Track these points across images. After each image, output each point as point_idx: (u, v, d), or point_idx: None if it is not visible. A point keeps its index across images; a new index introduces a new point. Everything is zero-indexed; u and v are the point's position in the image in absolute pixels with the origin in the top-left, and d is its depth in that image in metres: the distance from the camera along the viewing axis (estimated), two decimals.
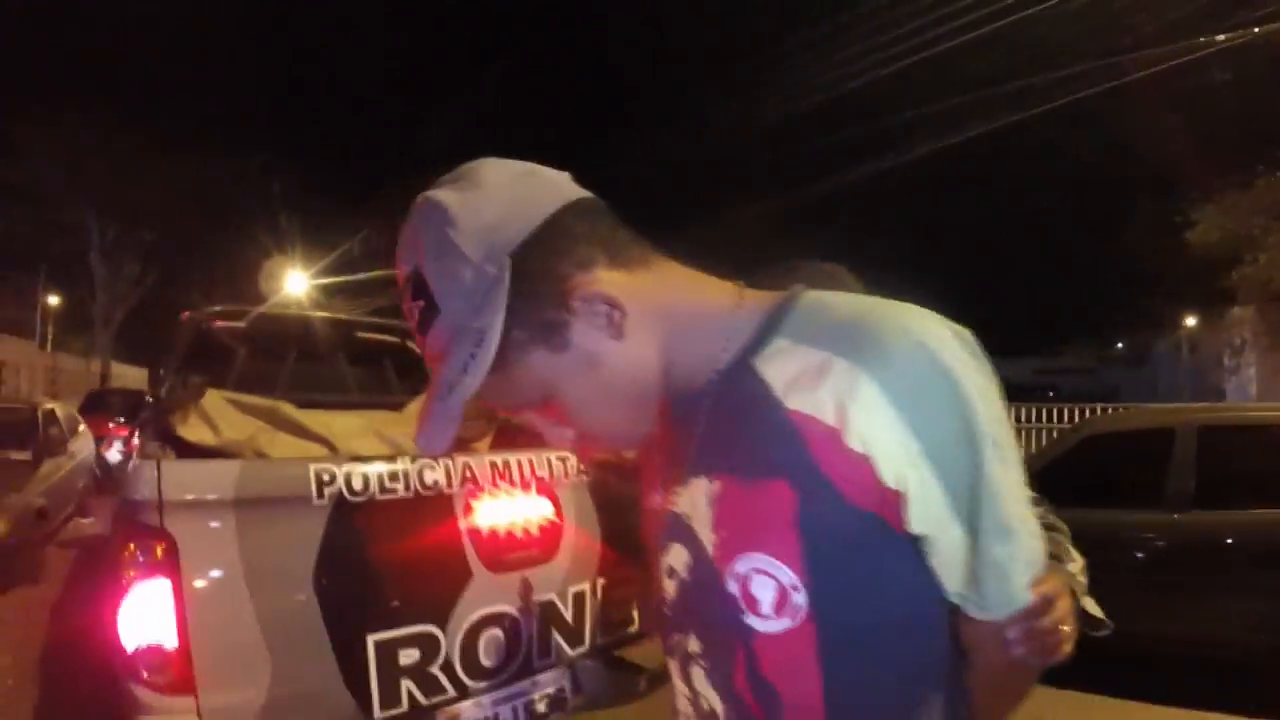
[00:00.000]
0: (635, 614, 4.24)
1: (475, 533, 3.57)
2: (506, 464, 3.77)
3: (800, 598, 1.06)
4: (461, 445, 4.06)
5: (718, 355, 1.15)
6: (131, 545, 2.90)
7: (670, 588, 1.25)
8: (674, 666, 1.29)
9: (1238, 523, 5.98)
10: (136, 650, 2.86)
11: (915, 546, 1.07)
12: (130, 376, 37.06)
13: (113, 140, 32.97)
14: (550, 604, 3.82)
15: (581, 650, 3.96)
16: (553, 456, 3.96)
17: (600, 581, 4.05)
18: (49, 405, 12.53)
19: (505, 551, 3.66)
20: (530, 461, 3.86)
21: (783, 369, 1.08)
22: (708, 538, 1.15)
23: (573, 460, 4.00)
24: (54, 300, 44.15)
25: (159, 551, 2.87)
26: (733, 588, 1.10)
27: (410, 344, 5.98)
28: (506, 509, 3.70)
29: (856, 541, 1.05)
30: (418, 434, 1.12)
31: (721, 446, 1.13)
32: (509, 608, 3.64)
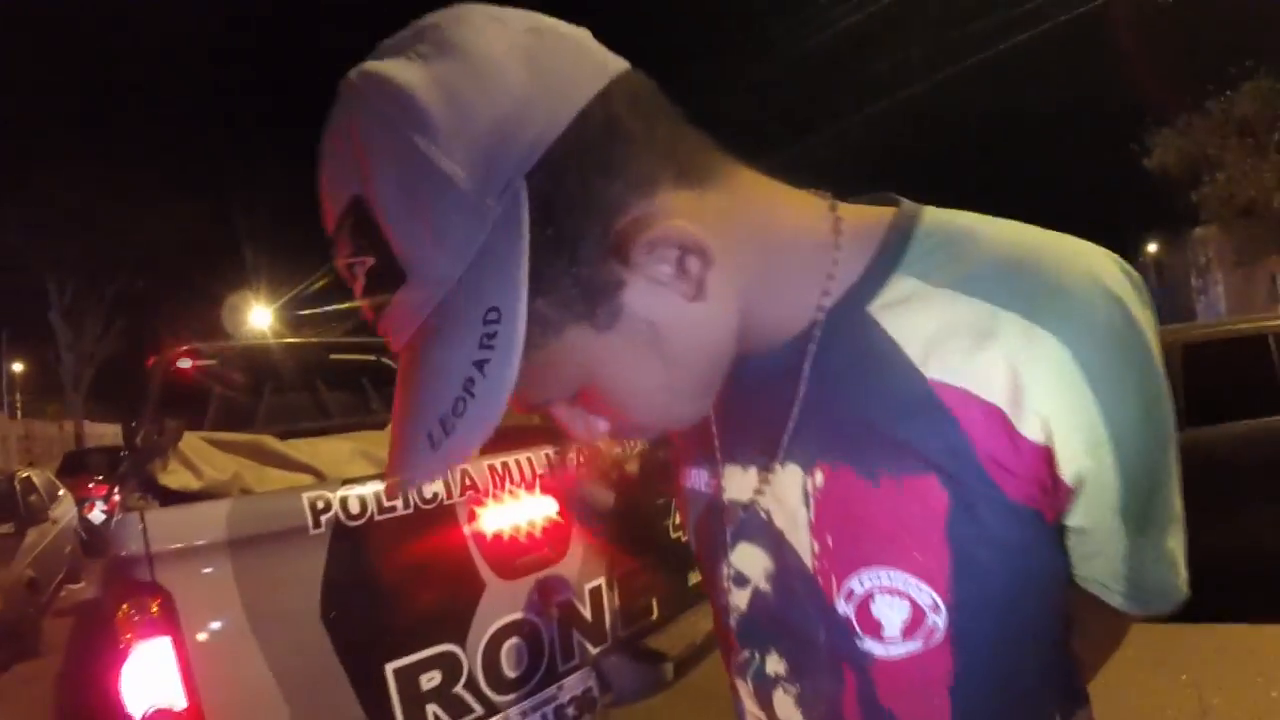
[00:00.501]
0: (654, 602, 4.13)
1: (482, 541, 3.43)
2: (505, 466, 3.61)
3: (939, 618, 0.82)
4: None
5: (814, 300, 0.85)
6: (125, 605, 2.72)
7: (740, 598, 0.99)
8: (744, 687, 1.03)
9: (1232, 435, 5.96)
10: (145, 716, 2.69)
11: (1060, 534, 0.84)
12: (106, 435, 36.64)
13: (63, 194, 32.51)
14: (568, 604, 3.69)
15: (605, 646, 3.84)
16: (550, 452, 3.82)
17: (615, 574, 3.93)
18: (25, 473, 12.39)
19: (516, 557, 3.52)
20: (529, 460, 3.70)
21: (917, 322, 0.79)
22: (804, 544, 0.88)
23: (573, 454, 3.85)
24: (19, 367, 43.80)
25: (155, 608, 2.70)
26: (845, 608, 0.85)
27: (386, 359, 5.89)
28: (511, 513, 3.56)
29: (1011, 546, 0.80)
30: (391, 476, 0.75)
31: (827, 427, 0.85)
32: (527, 614, 3.52)
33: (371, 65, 0.73)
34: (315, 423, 5.61)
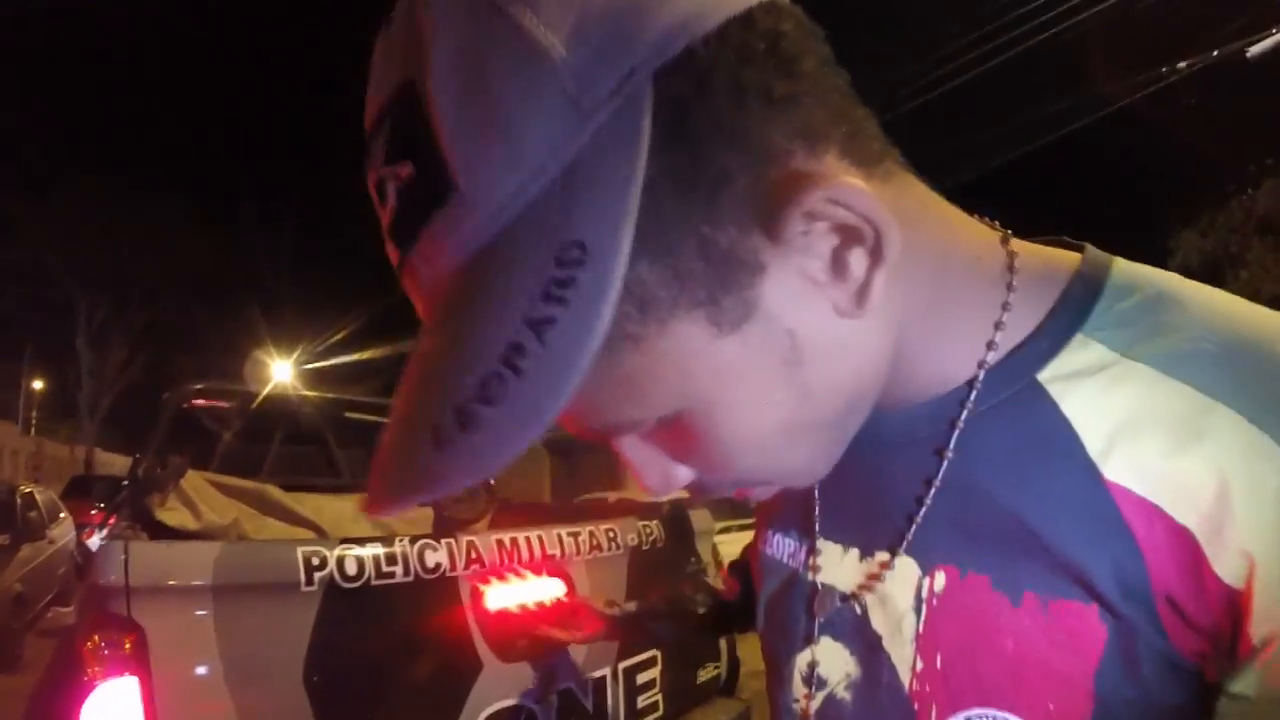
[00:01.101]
0: (660, 697, 3.84)
1: (484, 618, 3.14)
2: (514, 542, 3.34)
3: None
4: (459, 527, 3.69)
5: (975, 353, 0.65)
6: (95, 637, 2.47)
7: (809, 700, 0.80)
8: None
9: None
10: None
11: (1212, 696, 0.58)
12: (116, 465, 36.56)
13: (102, 221, 32.88)
14: (568, 693, 3.40)
15: None
16: (564, 533, 3.54)
17: (621, 666, 3.64)
18: (27, 488, 12.19)
19: (518, 638, 3.23)
20: (540, 539, 3.43)
21: (1102, 404, 0.60)
22: (904, 658, 0.69)
23: (585, 536, 3.59)
24: (39, 385, 43.91)
25: (127, 645, 2.45)
26: None
27: None
28: (516, 592, 3.28)
29: (1156, 701, 0.58)
30: (374, 489, 0.52)
31: (963, 519, 0.66)
32: (524, 700, 3.22)
33: None
34: (322, 479, 5.42)
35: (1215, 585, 0.54)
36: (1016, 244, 0.69)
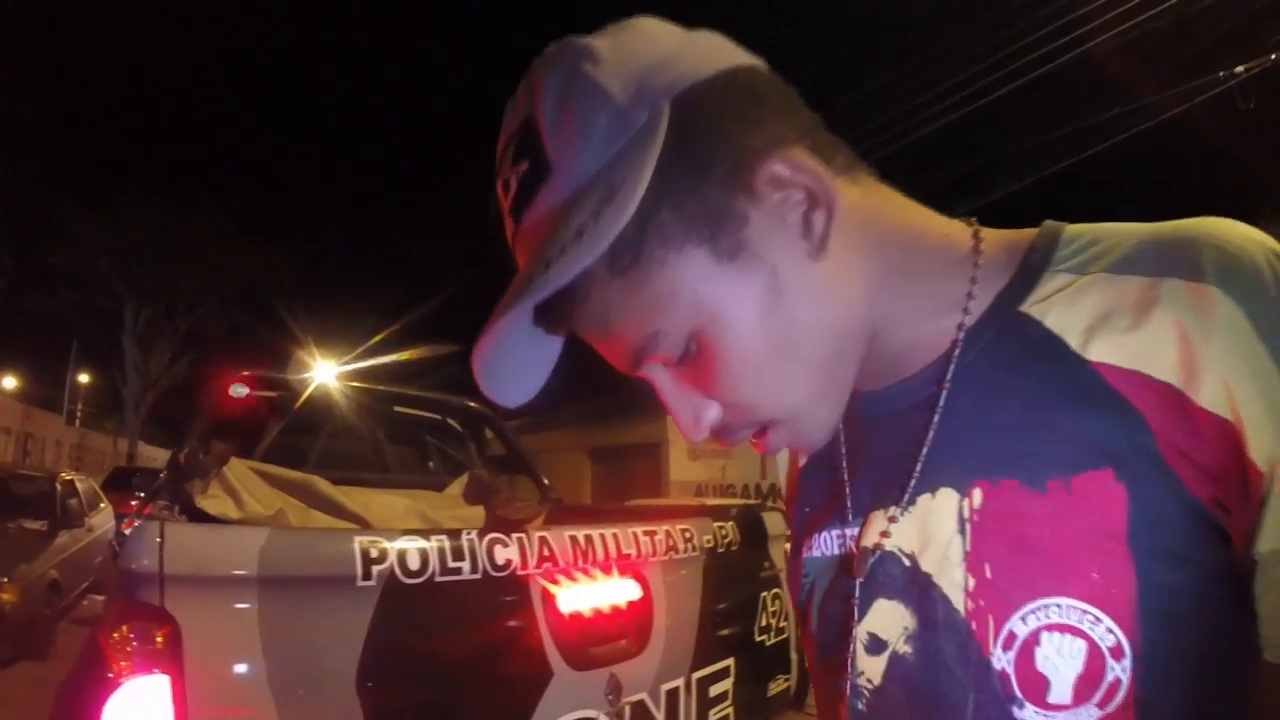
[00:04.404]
0: (732, 710, 3.46)
1: (556, 623, 2.74)
2: (589, 540, 2.95)
3: (1122, 669, 0.63)
4: (514, 527, 3.31)
5: (958, 305, 0.78)
6: (124, 628, 2.10)
7: (873, 669, 0.80)
8: None
9: None
10: None
11: (1240, 577, 0.64)
12: (160, 459, 36.78)
13: (150, 229, 33.34)
14: (640, 705, 2.98)
15: None
16: (639, 531, 3.15)
17: (695, 676, 3.24)
18: (69, 476, 11.86)
19: (591, 645, 2.83)
20: (615, 537, 3.04)
21: (1076, 310, 0.71)
22: (956, 583, 0.72)
23: (662, 536, 3.20)
24: (85, 379, 44.16)
25: (158, 639, 2.07)
26: (1002, 660, 0.68)
27: (451, 421, 5.45)
28: (591, 594, 2.88)
29: (1199, 567, 0.63)
30: (476, 354, 0.75)
31: (983, 439, 0.73)
32: (595, 712, 2.81)
33: (568, 37, 0.78)
34: (370, 474, 5.10)
35: (1206, 419, 0.63)
36: (985, 230, 0.82)
